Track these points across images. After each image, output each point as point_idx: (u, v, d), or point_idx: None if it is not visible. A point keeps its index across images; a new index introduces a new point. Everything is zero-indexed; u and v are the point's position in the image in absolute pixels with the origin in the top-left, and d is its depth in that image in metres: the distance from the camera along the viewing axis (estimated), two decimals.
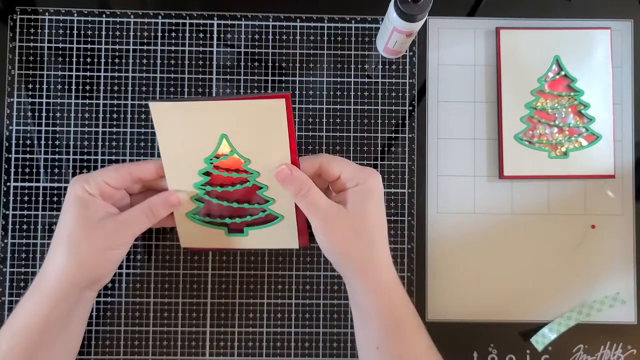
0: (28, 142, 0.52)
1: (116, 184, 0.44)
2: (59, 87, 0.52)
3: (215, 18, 0.53)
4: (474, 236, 0.53)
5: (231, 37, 0.53)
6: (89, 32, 0.52)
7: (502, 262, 0.53)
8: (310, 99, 0.53)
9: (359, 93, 0.53)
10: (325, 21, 0.53)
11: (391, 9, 0.45)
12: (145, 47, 0.52)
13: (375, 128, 0.53)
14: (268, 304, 0.52)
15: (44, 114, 0.52)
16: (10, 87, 0.52)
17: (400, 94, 0.53)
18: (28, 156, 0.51)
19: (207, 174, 0.45)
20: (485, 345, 0.52)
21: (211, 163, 0.44)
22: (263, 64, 0.53)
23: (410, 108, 0.53)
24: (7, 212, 0.51)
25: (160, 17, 0.53)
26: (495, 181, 0.53)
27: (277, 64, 0.53)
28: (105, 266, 0.44)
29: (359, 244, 0.43)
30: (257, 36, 0.53)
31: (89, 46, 0.52)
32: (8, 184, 0.51)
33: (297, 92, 0.53)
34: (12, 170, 0.51)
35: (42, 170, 0.51)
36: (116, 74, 0.52)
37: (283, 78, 0.53)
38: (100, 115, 0.52)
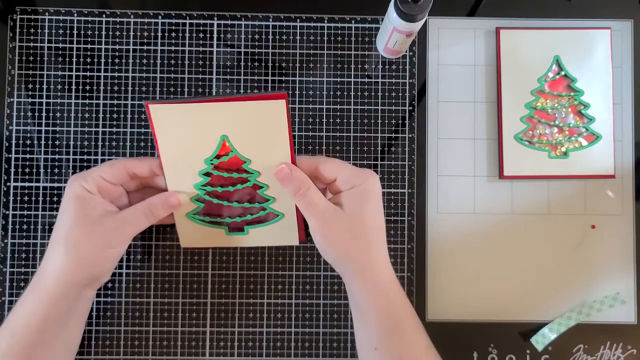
0: (28, 142, 0.52)
1: (112, 179, 0.44)
2: (59, 87, 0.52)
3: (215, 18, 0.53)
4: (474, 236, 0.53)
5: (231, 37, 0.53)
6: (89, 32, 0.52)
7: (502, 262, 0.53)
8: (310, 99, 0.53)
9: (359, 93, 0.53)
10: (325, 21, 0.53)
11: (391, 9, 0.45)
12: (145, 47, 0.52)
13: (375, 128, 0.53)
14: (268, 304, 0.52)
15: (44, 114, 0.52)
16: (10, 87, 0.52)
17: (400, 94, 0.53)
18: (28, 156, 0.51)
19: (207, 174, 0.45)
20: (485, 345, 0.52)
21: (211, 164, 0.44)
22: (263, 64, 0.53)
23: (410, 108, 0.53)
24: (7, 212, 0.51)
25: (160, 17, 0.53)
26: (495, 181, 0.53)
27: (277, 64, 0.53)
28: (103, 264, 0.44)
29: (356, 244, 0.43)
30: (257, 36, 0.53)
31: (89, 46, 0.52)
32: (8, 184, 0.51)
33: (297, 92, 0.53)
34: (12, 170, 0.51)
35: (42, 170, 0.51)
36: (116, 74, 0.52)
37: (283, 78, 0.53)
38: (100, 115, 0.52)
